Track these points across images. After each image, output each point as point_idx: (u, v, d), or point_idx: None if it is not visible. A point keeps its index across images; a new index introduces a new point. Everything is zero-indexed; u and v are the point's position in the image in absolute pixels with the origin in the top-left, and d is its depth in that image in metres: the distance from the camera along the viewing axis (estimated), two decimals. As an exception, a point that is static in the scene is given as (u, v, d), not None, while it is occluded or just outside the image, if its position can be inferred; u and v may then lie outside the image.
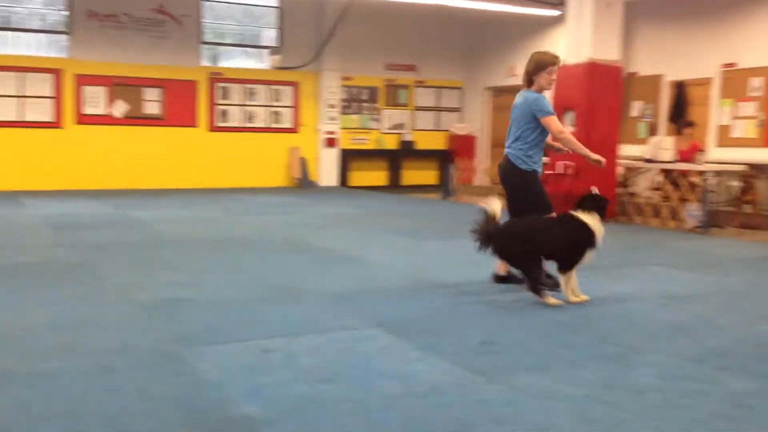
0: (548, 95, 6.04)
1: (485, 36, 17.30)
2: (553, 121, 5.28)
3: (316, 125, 16.61)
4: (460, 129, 17.73)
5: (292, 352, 3.91)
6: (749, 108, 12.29)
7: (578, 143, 5.44)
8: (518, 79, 18.60)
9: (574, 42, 10.43)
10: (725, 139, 12.65)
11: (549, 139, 5.56)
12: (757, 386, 3.46)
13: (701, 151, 10.04)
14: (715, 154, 12.45)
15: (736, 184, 10.51)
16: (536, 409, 3.13)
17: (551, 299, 5.01)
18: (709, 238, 8.74)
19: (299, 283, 5.72)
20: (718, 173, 9.75)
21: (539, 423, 2.99)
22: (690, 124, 10.35)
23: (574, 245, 5.02)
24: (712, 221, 9.33)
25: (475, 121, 17.87)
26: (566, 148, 5.58)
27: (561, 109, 10.43)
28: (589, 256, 5.06)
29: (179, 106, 15.28)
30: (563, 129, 5.26)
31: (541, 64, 5.41)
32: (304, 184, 16.23)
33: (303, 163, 16.44)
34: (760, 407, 3.19)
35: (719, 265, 6.85)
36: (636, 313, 4.90)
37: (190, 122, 15.42)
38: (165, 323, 4.49)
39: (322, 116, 16.54)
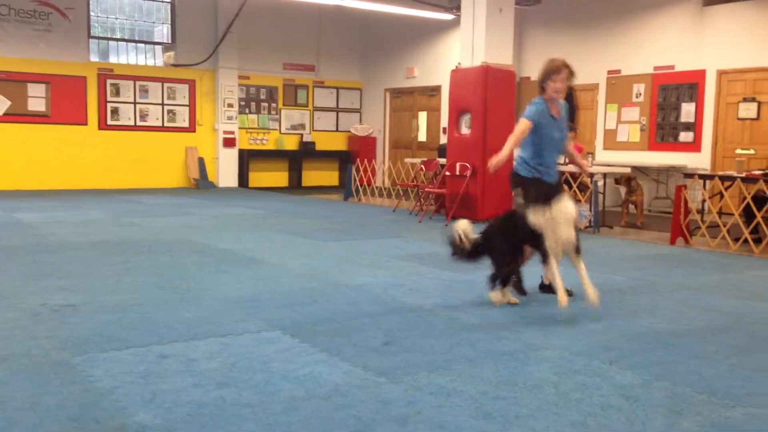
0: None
1: (384, 38, 17.46)
2: (518, 123, 5.21)
3: (214, 124, 16.29)
4: (360, 130, 17.82)
5: (190, 357, 3.82)
6: (633, 113, 12.96)
7: (510, 141, 5.20)
8: (416, 81, 18.70)
9: (469, 46, 10.68)
10: (611, 142, 13.29)
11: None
12: (641, 379, 3.65)
13: (587, 153, 10.49)
14: (603, 157, 13.06)
15: (621, 185, 11.05)
16: (437, 408, 3.18)
17: (496, 296, 5.10)
18: (599, 237, 9.16)
19: (197, 286, 5.59)
20: (605, 175, 10.22)
21: (440, 421, 3.04)
22: (571, 128, 10.81)
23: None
24: (602, 221, 9.78)
25: (374, 122, 18.00)
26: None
27: (457, 112, 10.66)
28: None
29: (67, 103, 14.62)
30: (514, 132, 5.18)
31: (546, 72, 5.32)
32: (202, 184, 15.88)
33: (201, 163, 16.09)
34: (645, 398, 3.37)
35: (607, 263, 7.19)
36: (531, 311, 5.07)
37: (79, 120, 14.79)
38: (54, 330, 4.28)
39: (220, 115, 16.23)
